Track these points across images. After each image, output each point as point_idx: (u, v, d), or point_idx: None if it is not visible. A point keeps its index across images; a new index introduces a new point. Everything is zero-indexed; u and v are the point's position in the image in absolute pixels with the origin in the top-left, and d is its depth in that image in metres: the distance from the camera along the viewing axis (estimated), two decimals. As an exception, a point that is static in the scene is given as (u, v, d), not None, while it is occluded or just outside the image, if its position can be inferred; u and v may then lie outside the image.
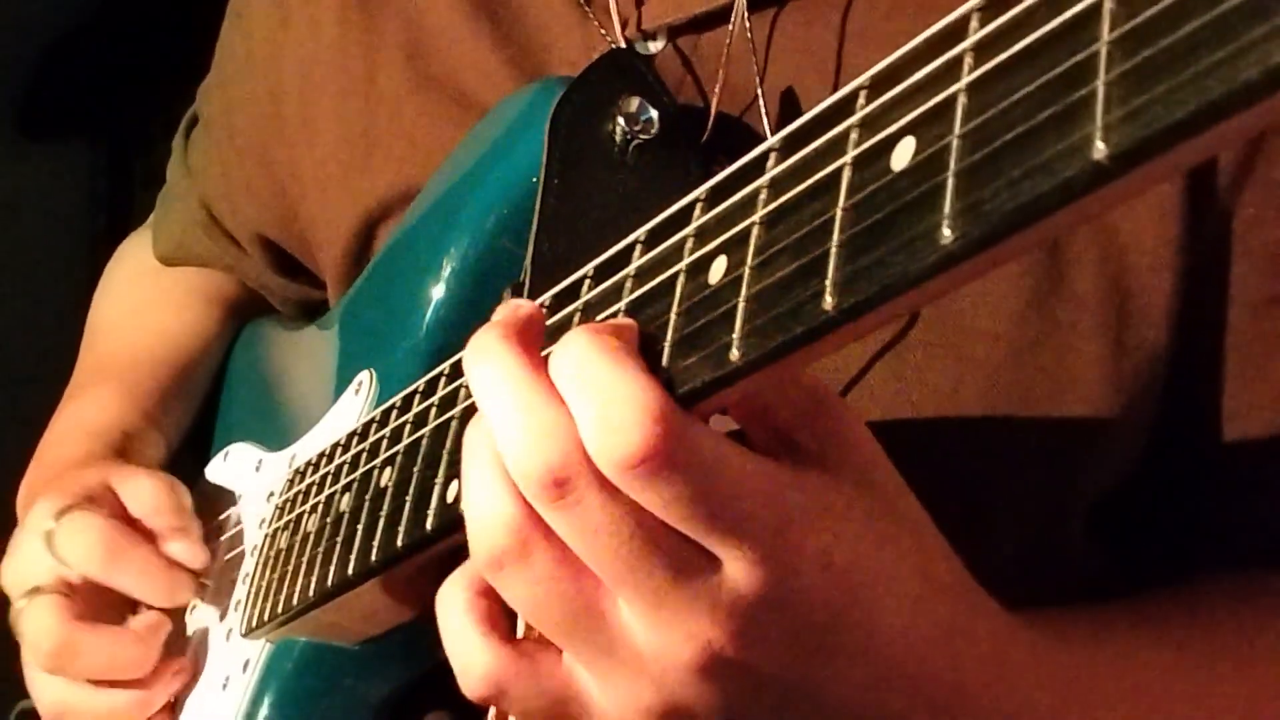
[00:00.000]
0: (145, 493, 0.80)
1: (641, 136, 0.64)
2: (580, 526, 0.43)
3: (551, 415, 0.43)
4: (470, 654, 0.49)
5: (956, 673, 0.49)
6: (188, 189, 0.99)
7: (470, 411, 0.55)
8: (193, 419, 0.96)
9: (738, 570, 0.44)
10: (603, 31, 0.70)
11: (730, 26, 0.67)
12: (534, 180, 0.66)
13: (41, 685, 0.79)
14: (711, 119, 0.67)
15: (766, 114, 0.67)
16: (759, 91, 0.67)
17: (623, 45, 0.69)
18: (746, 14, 0.67)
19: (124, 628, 0.77)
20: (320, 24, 0.83)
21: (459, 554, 0.51)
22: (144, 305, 1.01)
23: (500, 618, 0.50)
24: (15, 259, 2.07)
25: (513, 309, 0.48)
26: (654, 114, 0.65)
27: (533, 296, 0.62)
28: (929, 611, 0.48)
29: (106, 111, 2.28)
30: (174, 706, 0.80)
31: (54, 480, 0.83)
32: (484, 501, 0.45)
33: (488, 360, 0.45)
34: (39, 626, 0.75)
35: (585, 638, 0.46)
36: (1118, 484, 0.68)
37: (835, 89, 0.69)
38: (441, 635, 0.51)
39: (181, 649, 0.81)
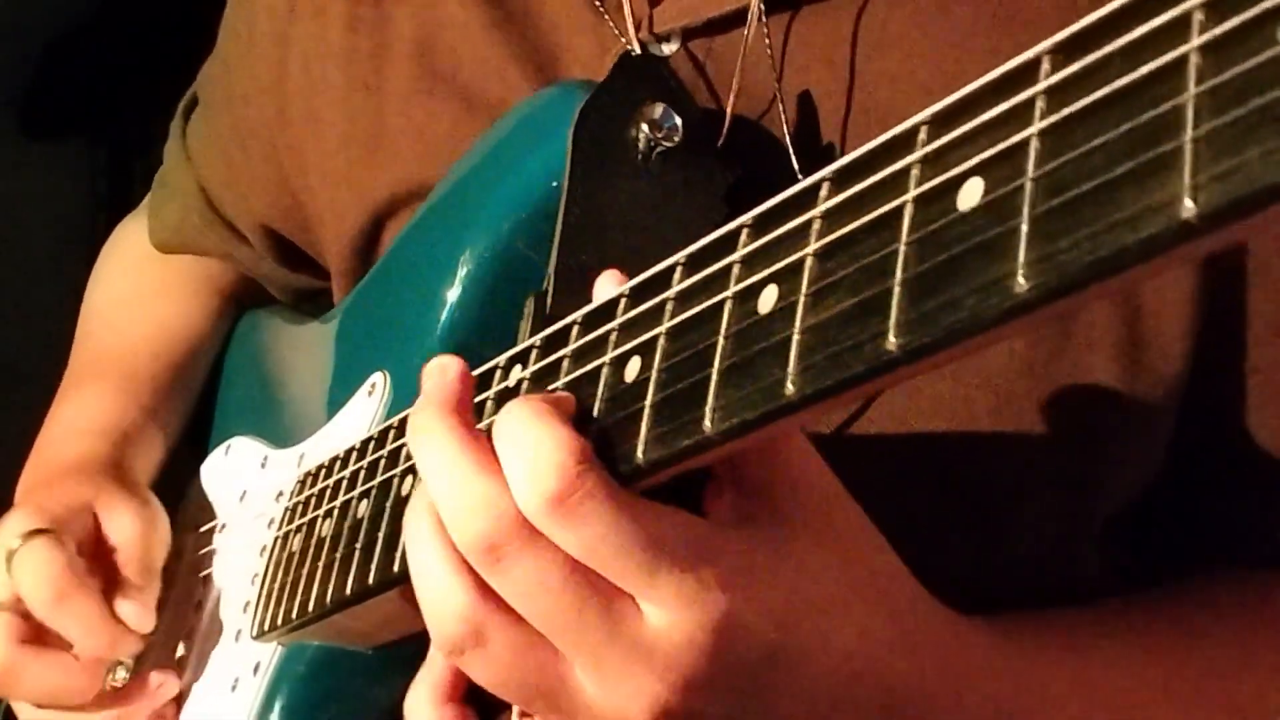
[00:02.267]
0: (124, 531, 0.80)
1: (665, 144, 0.64)
2: (518, 583, 0.48)
3: (482, 487, 0.48)
4: None
5: (918, 677, 0.53)
6: (186, 174, 0.97)
7: None
8: (191, 411, 0.95)
9: (663, 614, 0.48)
10: (616, 32, 0.69)
11: (746, 30, 0.66)
12: (554, 185, 0.65)
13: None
14: (727, 123, 0.66)
15: (785, 119, 0.66)
16: (778, 96, 0.66)
17: (636, 47, 0.68)
18: (763, 17, 0.66)
19: (70, 656, 0.77)
20: (327, 15, 0.81)
21: None
22: (140, 295, 1.00)
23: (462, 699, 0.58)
24: (15, 259, 2.04)
25: (439, 372, 0.51)
26: (678, 121, 0.64)
27: (556, 307, 0.62)
28: (879, 630, 0.52)
29: (106, 111, 2.26)
30: (180, 703, 0.80)
31: (48, 482, 0.82)
32: (437, 594, 0.51)
33: (427, 440, 0.50)
34: None
35: (548, 703, 0.51)
36: (1133, 500, 0.68)
37: (851, 93, 0.70)
38: None
39: (189, 648, 0.80)
